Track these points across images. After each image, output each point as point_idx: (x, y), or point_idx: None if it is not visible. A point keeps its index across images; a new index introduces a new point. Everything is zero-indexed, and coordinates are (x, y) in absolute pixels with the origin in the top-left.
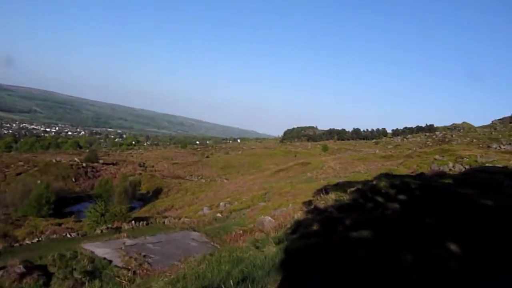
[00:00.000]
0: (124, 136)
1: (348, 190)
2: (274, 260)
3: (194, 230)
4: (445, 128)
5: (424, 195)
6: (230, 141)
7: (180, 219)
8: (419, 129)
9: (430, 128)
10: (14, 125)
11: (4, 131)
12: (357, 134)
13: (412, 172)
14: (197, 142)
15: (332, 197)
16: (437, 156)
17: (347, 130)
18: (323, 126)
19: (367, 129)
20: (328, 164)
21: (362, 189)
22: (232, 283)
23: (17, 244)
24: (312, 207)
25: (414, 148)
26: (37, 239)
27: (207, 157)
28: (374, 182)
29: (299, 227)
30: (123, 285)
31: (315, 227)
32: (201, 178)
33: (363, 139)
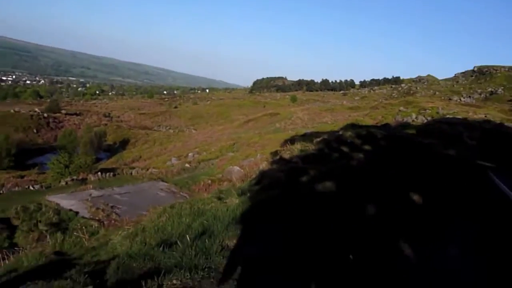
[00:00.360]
0: (87, 85)
1: (314, 140)
2: (235, 212)
3: (163, 181)
4: (411, 80)
5: (389, 145)
6: (199, 91)
7: (148, 170)
8: (385, 81)
9: (396, 80)
10: None
11: None
12: (325, 85)
13: (377, 123)
14: (165, 92)
15: (297, 147)
16: (401, 108)
17: (316, 81)
18: (292, 77)
19: (335, 81)
20: (297, 115)
21: (328, 139)
22: (189, 238)
23: None
24: (278, 157)
25: (380, 100)
26: None
27: (175, 107)
28: (340, 132)
29: (264, 178)
30: (83, 240)
31: (279, 178)
32: (169, 128)
33: (331, 90)
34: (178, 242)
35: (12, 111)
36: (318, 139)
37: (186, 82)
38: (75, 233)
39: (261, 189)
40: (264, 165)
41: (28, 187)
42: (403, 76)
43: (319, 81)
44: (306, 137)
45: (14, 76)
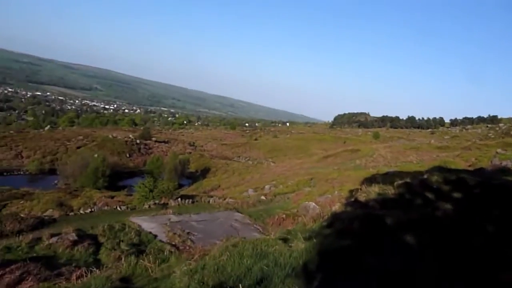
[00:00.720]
0: (177, 115)
1: (395, 183)
2: (298, 261)
3: (238, 211)
4: (511, 119)
5: (483, 194)
6: (279, 124)
7: (225, 199)
8: (480, 119)
9: (493, 119)
10: (76, 101)
11: (68, 106)
12: (411, 122)
13: (469, 166)
14: (246, 124)
15: (375, 190)
16: (499, 150)
17: (401, 117)
18: (376, 112)
19: (422, 118)
20: (379, 152)
21: (410, 183)
22: (247, 284)
23: (72, 213)
24: (353, 199)
25: (474, 140)
26: (90, 210)
27: (256, 139)
28: (426, 176)
29: (336, 222)
30: (149, 268)
31: (351, 224)
32: (249, 159)
33: (418, 127)
34: None
35: (110, 136)
36: (399, 182)
37: (267, 115)
38: (142, 261)
39: (332, 234)
40: (337, 207)
41: (116, 207)
42: (502, 114)
43: (404, 118)
44: (387, 176)
45: (115, 105)
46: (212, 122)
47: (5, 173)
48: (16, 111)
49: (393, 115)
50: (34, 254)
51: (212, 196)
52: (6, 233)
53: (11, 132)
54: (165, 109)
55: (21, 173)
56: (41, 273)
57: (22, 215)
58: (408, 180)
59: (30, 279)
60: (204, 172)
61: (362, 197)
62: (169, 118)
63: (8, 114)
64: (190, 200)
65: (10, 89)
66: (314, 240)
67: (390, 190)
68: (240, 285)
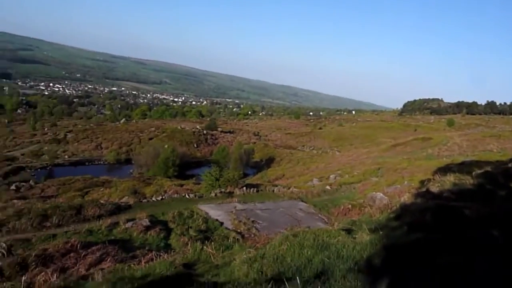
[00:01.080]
0: (241, 106)
1: (474, 173)
2: (361, 254)
3: (302, 201)
4: None
5: None
6: (345, 113)
7: (289, 188)
8: None
9: None
10: (148, 95)
11: (141, 100)
12: (491, 108)
13: None
14: (311, 113)
15: (450, 179)
16: None
17: (479, 103)
18: (450, 98)
19: (504, 103)
20: (453, 141)
21: (492, 172)
22: (306, 276)
23: (145, 200)
24: (424, 190)
25: None
26: (161, 197)
27: (320, 128)
28: (510, 165)
29: (405, 213)
30: (212, 255)
31: (423, 216)
32: (313, 149)
33: (499, 113)
34: (287, 285)
35: (179, 127)
36: (478, 172)
37: (332, 104)
38: (206, 248)
39: (400, 227)
40: (406, 197)
41: (185, 195)
42: None
43: (483, 103)
44: (463, 166)
45: (183, 98)
46: (276, 112)
47: (87, 163)
48: (96, 106)
49: (470, 101)
50: (112, 237)
51: (276, 185)
52: (88, 218)
53: (92, 125)
54: (230, 100)
55: (101, 162)
56: (118, 255)
57: (101, 201)
58: (489, 169)
59: (108, 259)
60: (269, 162)
61: (435, 188)
62: (234, 109)
63: (89, 109)
64: (255, 189)
65: (89, 86)
66: (380, 233)
67: (468, 180)
68: (298, 277)
